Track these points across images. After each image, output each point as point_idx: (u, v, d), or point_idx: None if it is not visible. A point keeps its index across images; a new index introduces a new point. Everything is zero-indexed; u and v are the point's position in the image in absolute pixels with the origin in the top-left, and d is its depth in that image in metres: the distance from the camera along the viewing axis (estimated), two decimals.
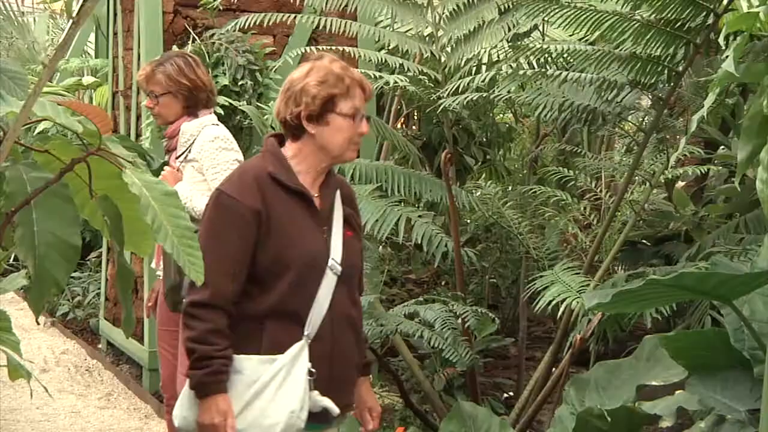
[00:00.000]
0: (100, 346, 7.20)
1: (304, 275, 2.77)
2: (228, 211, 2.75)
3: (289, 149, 2.86)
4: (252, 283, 2.75)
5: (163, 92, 4.09)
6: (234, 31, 5.24)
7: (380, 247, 6.39)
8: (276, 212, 2.75)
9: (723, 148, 5.69)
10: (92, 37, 8.53)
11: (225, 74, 5.22)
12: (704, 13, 4.10)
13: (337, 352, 2.82)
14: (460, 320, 4.73)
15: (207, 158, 3.98)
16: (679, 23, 4.12)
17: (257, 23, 4.92)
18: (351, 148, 2.85)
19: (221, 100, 5.04)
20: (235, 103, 5.04)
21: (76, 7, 9.47)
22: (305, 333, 2.75)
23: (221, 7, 5.45)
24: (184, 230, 1.62)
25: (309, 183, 2.85)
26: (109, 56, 7.04)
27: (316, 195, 2.85)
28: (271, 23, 4.81)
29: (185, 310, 2.74)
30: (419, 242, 4.76)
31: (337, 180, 2.98)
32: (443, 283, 7.19)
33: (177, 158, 4.13)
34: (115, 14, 6.68)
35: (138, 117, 6.16)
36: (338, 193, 2.93)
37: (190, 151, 4.07)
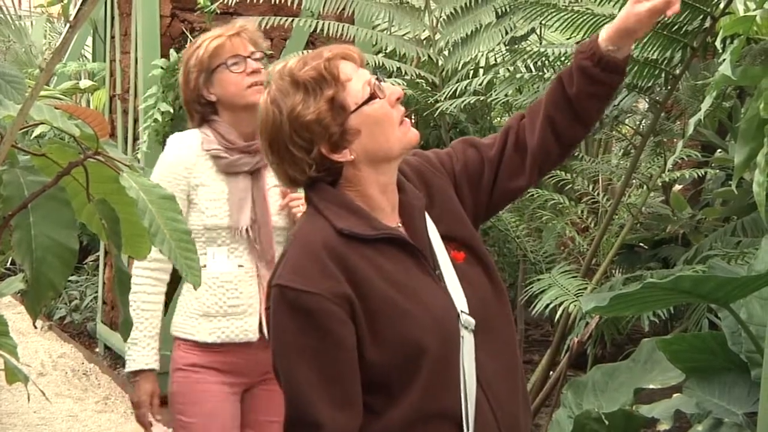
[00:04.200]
0: (97, 349, 7.20)
1: (442, 356, 1.96)
2: (302, 312, 1.90)
3: (346, 185, 2.03)
4: (371, 394, 1.95)
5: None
6: None
7: None
8: (370, 283, 1.93)
9: (720, 152, 5.69)
10: (89, 40, 8.52)
11: None
12: (701, 17, 4.10)
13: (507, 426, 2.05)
14: None
15: None
16: (676, 27, 4.12)
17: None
18: (401, 128, 2.02)
19: None
20: None
21: (73, 11, 9.47)
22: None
23: (218, 11, 5.45)
24: (181, 234, 1.62)
25: (388, 214, 2.05)
26: (106, 60, 7.04)
27: (399, 224, 2.06)
28: (268, 27, 4.81)
29: None
30: None
31: (410, 189, 2.10)
32: None
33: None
34: (113, 18, 6.68)
35: (135, 121, 6.16)
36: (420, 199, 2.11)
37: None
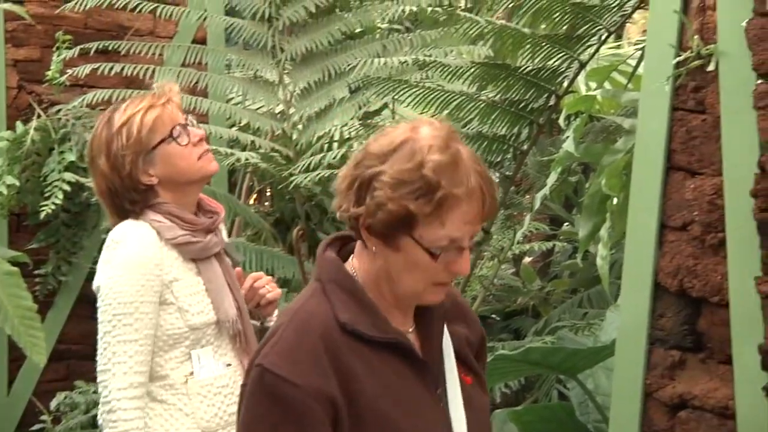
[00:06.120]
0: None
1: None
2: (280, 402, 1.71)
3: (357, 262, 1.84)
4: None
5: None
6: (81, 107, 5.15)
7: None
8: (362, 388, 1.74)
9: (567, 225, 5.87)
10: None
11: (72, 150, 5.12)
12: (546, 95, 4.25)
13: None
14: None
15: None
16: (522, 104, 4.26)
17: (105, 99, 4.85)
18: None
19: (68, 176, 4.93)
20: (82, 179, 4.93)
21: None
22: None
23: (67, 83, 5.35)
24: (25, 311, 1.58)
25: (400, 315, 1.85)
26: None
27: (410, 330, 1.86)
28: (119, 100, 4.75)
29: None
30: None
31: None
32: None
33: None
34: None
35: None
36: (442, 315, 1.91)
37: None
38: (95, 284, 2.61)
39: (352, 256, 1.85)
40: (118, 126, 2.58)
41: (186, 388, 2.57)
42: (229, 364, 2.63)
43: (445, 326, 1.88)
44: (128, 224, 2.60)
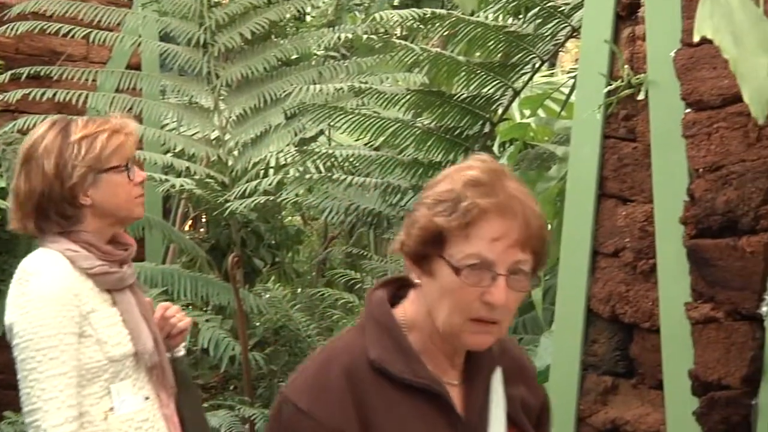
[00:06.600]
0: None
1: None
2: None
3: (408, 305, 1.76)
4: None
5: None
6: (12, 132, 5.07)
7: None
8: (380, 429, 1.66)
9: None
10: None
11: (2, 176, 5.04)
12: (481, 122, 4.28)
13: None
14: (248, 425, 4.66)
15: None
16: (458, 131, 4.29)
17: (37, 125, 4.78)
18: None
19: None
20: None
21: None
22: None
23: None
24: None
25: (447, 364, 1.75)
26: None
27: (455, 382, 1.74)
28: None
29: None
30: (206, 347, 4.69)
31: (492, 359, 1.78)
32: (232, 387, 7.06)
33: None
34: None
35: None
36: (497, 373, 1.79)
37: None
38: (7, 321, 2.44)
39: (403, 300, 1.77)
40: (78, 137, 2.51)
41: (106, 425, 2.45)
42: (147, 397, 2.53)
43: (502, 387, 1.77)
44: (40, 255, 2.49)
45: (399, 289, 1.78)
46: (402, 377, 1.67)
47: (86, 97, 4.79)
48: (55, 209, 2.49)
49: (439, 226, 1.64)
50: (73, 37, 4.97)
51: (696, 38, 1.05)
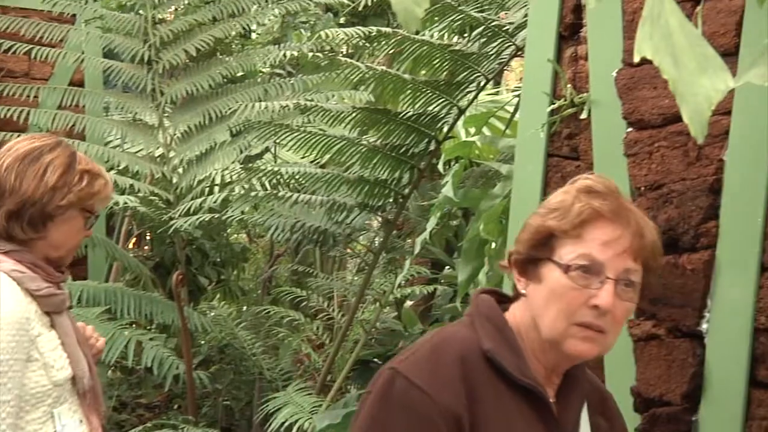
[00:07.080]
0: None
1: None
2: (407, 412, 1.65)
3: (510, 316, 1.78)
4: None
5: None
6: None
7: (109, 371, 6.16)
8: (488, 418, 1.67)
9: (448, 269, 5.93)
10: None
11: None
12: (426, 140, 4.31)
13: None
14: None
15: None
16: (403, 149, 4.31)
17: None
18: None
19: None
20: None
21: None
22: None
23: None
24: None
25: (544, 375, 1.76)
26: None
27: (551, 400, 1.76)
28: None
29: None
30: (150, 365, 4.64)
31: (585, 383, 1.82)
32: (176, 406, 6.99)
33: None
34: None
35: None
36: (584, 404, 1.81)
37: None
38: None
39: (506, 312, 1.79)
40: (83, 168, 2.43)
41: None
42: (81, 421, 2.45)
43: (587, 413, 1.79)
44: None
45: (498, 301, 1.80)
46: (513, 373, 1.69)
47: (28, 114, 4.74)
48: (29, 219, 2.37)
49: (551, 228, 1.68)
50: (14, 53, 4.93)
51: (636, 59, 1.06)
